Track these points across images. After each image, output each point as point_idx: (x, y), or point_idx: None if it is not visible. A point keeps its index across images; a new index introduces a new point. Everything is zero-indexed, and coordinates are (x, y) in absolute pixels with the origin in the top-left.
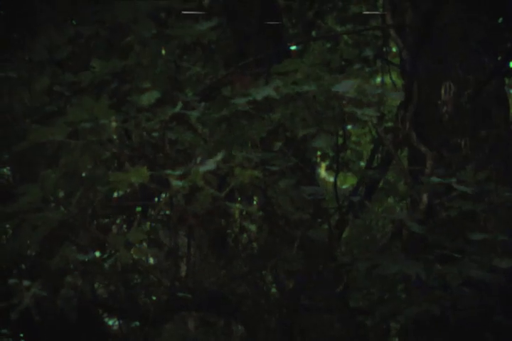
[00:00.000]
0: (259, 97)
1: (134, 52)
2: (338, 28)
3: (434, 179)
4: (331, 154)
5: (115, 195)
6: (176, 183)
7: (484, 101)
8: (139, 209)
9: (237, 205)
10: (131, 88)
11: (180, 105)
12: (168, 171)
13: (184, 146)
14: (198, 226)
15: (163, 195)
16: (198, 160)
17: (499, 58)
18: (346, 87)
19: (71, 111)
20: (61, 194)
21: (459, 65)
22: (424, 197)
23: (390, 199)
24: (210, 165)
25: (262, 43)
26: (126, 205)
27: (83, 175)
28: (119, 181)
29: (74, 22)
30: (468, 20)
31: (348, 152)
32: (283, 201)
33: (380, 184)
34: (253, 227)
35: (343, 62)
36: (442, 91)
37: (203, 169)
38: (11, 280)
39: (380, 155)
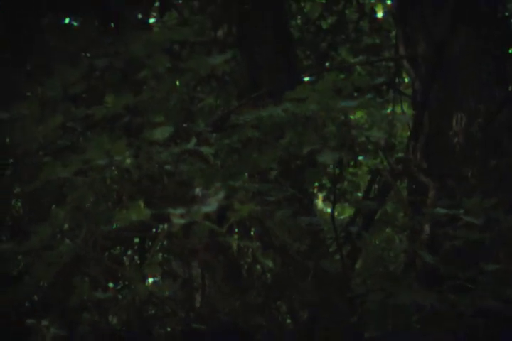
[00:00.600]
0: (264, 114)
1: (148, 86)
2: (352, 60)
3: (440, 210)
4: (328, 185)
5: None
6: (178, 221)
7: (495, 131)
8: (136, 240)
9: (235, 237)
10: (144, 122)
11: (194, 140)
12: (170, 210)
13: (183, 177)
14: (207, 259)
15: (161, 227)
16: (197, 191)
17: (510, 89)
18: (354, 104)
19: (89, 150)
20: (68, 228)
21: (470, 96)
22: (426, 228)
23: (389, 230)
24: (212, 205)
25: (276, 75)
26: (125, 236)
27: (86, 208)
28: (120, 218)
29: (87, 55)
30: (479, 51)
31: (345, 183)
32: (280, 232)
33: (378, 215)
34: (269, 262)
35: (355, 93)
36: (453, 121)
37: (204, 209)
38: (29, 321)
39: (377, 186)
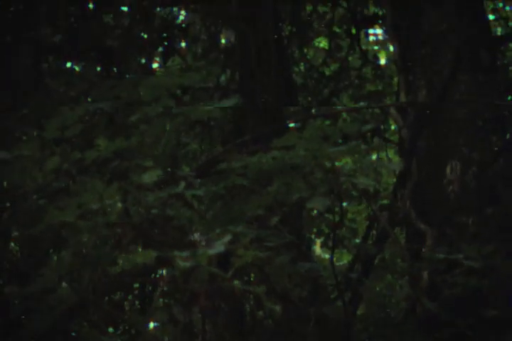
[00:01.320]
0: (253, 160)
1: (138, 131)
2: (353, 106)
3: (440, 255)
4: (326, 231)
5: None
6: (184, 264)
7: (490, 179)
8: (137, 285)
9: (237, 282)
10: (133, 166)
11: (183, 184)
12: (176, 253)
13: (181, 223)
14: (208, 304)
15: (161, 271)
16: (196, 236)
17: (507, 137)
18: (342, 150)
19: (82, 194)
20: (69, 272)
21: (464, 143)
22: (425, 274)
23: (389, 276)
24: (219, 247)
25: (261, 121)
26: (125, 281)
27: (87, 252)
28: (125, 261)
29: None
30: (476, 98)
31: (343, 229)
32: (280, 278)
33: (377, 261)
34: (274, 307)
35: (340, 140)
36: (447, 169)
37: (211, 252)
38: None
39: (375, 232)
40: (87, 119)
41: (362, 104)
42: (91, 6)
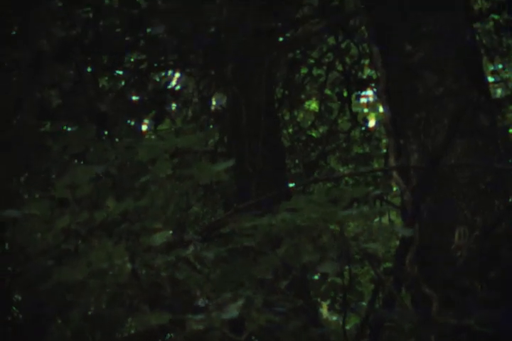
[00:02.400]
0: (263, 222)
1: (148, 192)
2: (340, 168)
3: (450, 320)
4: (332, 294)
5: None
6: (197, 327)
7: (494, 241)
8: None
9: None
10: (142, 228)
11: (192, 247)
12: (189, 315)
13: (188, 286)
14: None
15: (169, 335)
16: (204, 299)
17: (510, 200)
18: (352, 213)
19: (93, 254)
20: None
21: (466, 207)
22: (432, 339)
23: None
24: (233, 312)
25: (264, 184)
26: None
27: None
28: (139, 322)
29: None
30: (473, 162)
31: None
32: None
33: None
34: None
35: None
36: (450, 233)
37: (225, 316)
38: None
39: (381, 295)
40: (94, 179)
41: (350, 166)
42: (89, 69)
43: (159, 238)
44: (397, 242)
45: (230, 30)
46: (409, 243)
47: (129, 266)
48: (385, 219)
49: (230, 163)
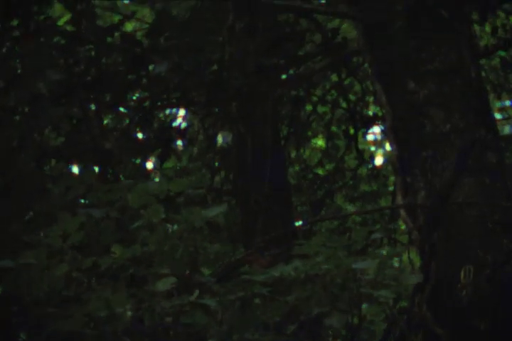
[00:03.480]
0: (277, 273)
1: (140, 236)
2: (348, 206)
3: None
4: (343, 333)
5: None
6: None
7: (504, 281)
8: None
9: None
10: (149, 273)
11: (196, 293)
12: None
13: (196, 329)
14: None
15: None
16: None
17: None
18: (366, 265)
19: (92, 302)
20: None
21: (478, 245)
22: None
23: None
24: None
25: (270, 221)
26: None
27: None
28: None
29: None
30: (480, 201)
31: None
32: None
33: None
34: None
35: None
36: (461, 273)
37: None
38: None
39: (393, 335)
40: (94, 223)
41: (357, 204)
42: (93, 107)
43: (164, 284)
44: None
45: (233, 67)
46: (425, 283)
47: (129, 313)
48: (405, 257)
49: (223, 207)
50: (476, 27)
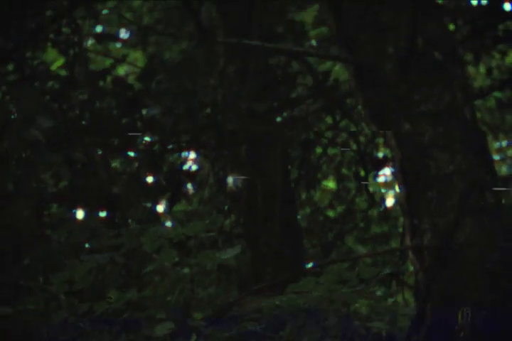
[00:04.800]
0: (268, 304)
1: (152, 282)
2: (358, 247)
3: None
4: None
5: None
6: None
7: (501, 323)
8: None
9: None
10: (144, 318)
11: (194, 338)
12: None
13: None
14: None
15: None
16: None
17: None
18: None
19: None
20: None
21: (476, 286)
22: None
23: None
24: None
25: (281, 264)
26: None
27: None
28: None
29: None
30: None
31: None
32: None
33: None
34: None
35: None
36: (459, 314)
37: None
38: None
39: None
40: (99, 268)
41: (368, 245)
42: (100, 152)
43: (161, 329)
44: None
45: (226, 110)
46: (420, 323)
47: None
48: (399, 298)
49: (237, 249)
50: (471, 68)
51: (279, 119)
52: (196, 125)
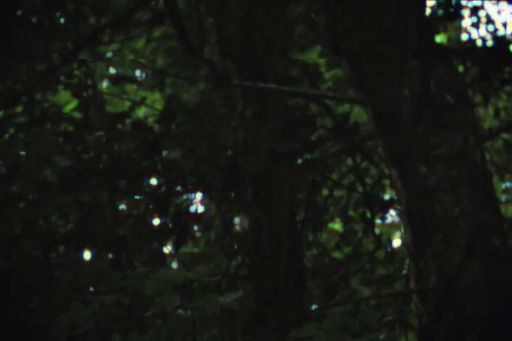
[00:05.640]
0: None
1: (154, 325)
2: (362, 289)
3: None
4: None
5: None
6: None
7: None
8: None
9: None
10: None
11: None
12: None
13: None
14: None
15: None
16: None
17: None
18: None
19: None
20: None
21: (480, 327)
22: None
23: None
24: None
25: (284, 306)
26: None
27: None
28: None
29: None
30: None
31: None
32: None
33: None
34: None
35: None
36: None
37: None
38: None
39: None
40: (103, 311)
41: (372, 287)
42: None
43: None
44: None
45: (247, 153)
46: None
47: None
48: None
49: (239, 293)
50: (480, 109)
51: (299, 161)
52: (218, 167)
